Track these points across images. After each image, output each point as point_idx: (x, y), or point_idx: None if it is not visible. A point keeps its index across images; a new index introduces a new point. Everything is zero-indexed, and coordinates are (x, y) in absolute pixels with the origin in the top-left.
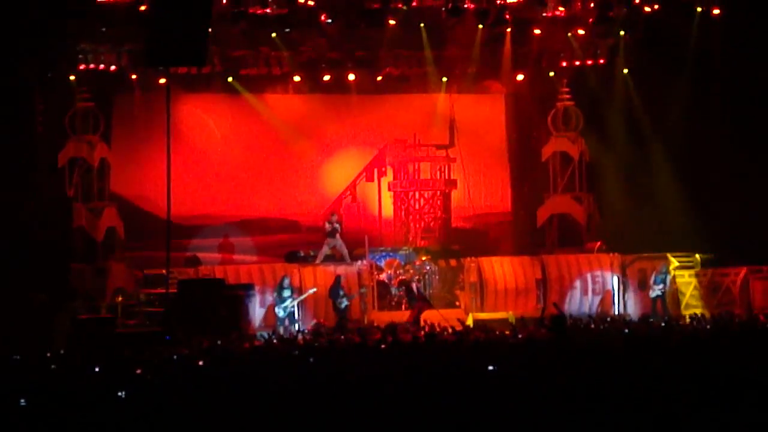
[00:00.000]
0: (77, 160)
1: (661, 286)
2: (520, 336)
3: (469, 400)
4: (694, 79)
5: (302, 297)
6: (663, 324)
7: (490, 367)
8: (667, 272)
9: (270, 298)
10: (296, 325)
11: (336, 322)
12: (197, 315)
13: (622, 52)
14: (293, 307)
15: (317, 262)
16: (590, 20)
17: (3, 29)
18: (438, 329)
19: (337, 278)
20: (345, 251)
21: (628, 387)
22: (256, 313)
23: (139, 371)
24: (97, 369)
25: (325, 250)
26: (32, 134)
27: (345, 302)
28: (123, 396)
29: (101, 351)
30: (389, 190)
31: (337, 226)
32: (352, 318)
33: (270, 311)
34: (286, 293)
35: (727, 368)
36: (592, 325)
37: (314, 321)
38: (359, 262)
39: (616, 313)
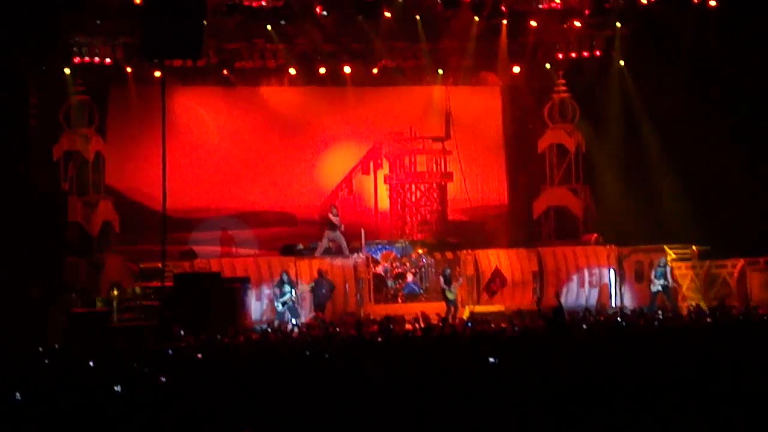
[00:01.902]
0: (72, 154)
1: (662, 280)
2: (516, 328)
3: (465, 392)
4: (690, 71)
5: (299, 293)
6: (660, 316)
7: (491, 359)
8: (666, 265)
9: (267, 291)
10: (295, 320)
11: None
12: (193, 308)
13: (618, 44)
14: (292, 301)
15: (317, 254)
16: (586, 12)
17: None
18: (433, 322)
19: (319, 272)
20: (344, 244)
21: (625, 379)
22: (253, 306)
23: (135, 365)
24: (92, 363)
25: (325, 243)
26: (26, 128)
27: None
28: (119, 390)
29: (96, 345)
30: (385, 182)
31: (337, 219)
32: (348, 311)
33: (271, 305)
34: (287, 288)
35: (725, 360)
36: (589, 318)
37: (313, 313)
38: (355, 255)
39: (614, 305)
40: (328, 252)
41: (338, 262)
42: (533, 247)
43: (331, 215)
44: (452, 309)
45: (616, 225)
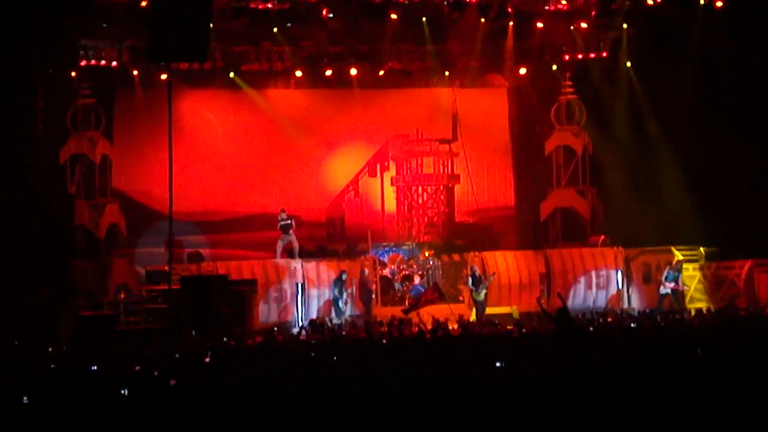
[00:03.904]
0: (79, 157)
1: (673, 284)
2: (524, 330)
3: (472, 394)
4: (697, 71)
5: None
6: (669, 318)
7: (498, 364)
8: (680, 270)
9: (274, 293)
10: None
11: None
12: (200, 311)
13: (624, 45)
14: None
15: (276, 258)
16: (593, 13)
17: (4, 26)
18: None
19: (363, 272)
20: (296, 246)
21: (632, 381)
22: (260, 308)
23: (141, 368)
24: (97, 367)
25: (280, 245)
26: (33, 131)
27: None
28: (125, 393)
29: (103, 348)
30: (392, 185)
31: (289, 222)
32: (354, 313)
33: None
34: (344, 287)
35: (733, 361)
36: (596, 320)
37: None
38: (362, 257)
39: (624, 306)
40: (289, 254)
41: (345, 265)
42: (540, 249)
43: (279, 219)
44: (479, 311)
45: (624, 226)
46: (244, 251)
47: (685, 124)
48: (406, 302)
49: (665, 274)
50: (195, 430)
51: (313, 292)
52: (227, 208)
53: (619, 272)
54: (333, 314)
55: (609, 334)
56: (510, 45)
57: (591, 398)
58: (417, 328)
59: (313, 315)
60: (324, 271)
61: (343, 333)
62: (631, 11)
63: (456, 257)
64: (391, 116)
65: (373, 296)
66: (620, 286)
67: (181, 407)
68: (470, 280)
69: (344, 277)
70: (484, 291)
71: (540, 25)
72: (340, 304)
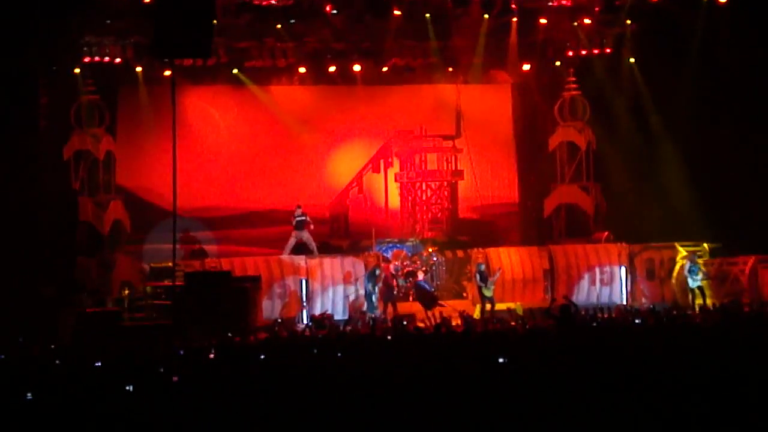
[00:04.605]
0: (82, 153)
1: (700, 276)
2: (527, 326)
3: (477, 391)
4: (700, 67)
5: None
6: (672, 314)
7: (501, 360)
8: (697, 262)
9: (278, 289)
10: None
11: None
12: (204, 308)
13: (628, 42)
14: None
15: (284, 255)
16: (596, 9)
17: (7, 22)
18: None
19: (374, 269)
20: (313, 244)
21: (635, 377)
22: (264, 304)
23: (145, 364)
24: (100, 363)
25: (292, 242)
26: (37, 128)
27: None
28: (130, 390)
29: (107, 344)
30: (396, 181)
31: (303, 218)
32: (359, 308)
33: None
34: (375, 282)
35: (737, 358)
36: (599, 315)
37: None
38: (366, 253)
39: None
40: (299, 251)
41: (349, 260)
42: (544, 245)
43: (294, 216)
44: (490, 306)
45: (627, 223)
46: (248, 247)
47: (689, 120)
48: (411, 299)
49: (688, 266)
50: (199, 426)
51: (317, 288)
52: (231, 205)
53: (623, 268)
54: (365, 308)
55: (613, 330)
56: (514, 41)
57: (594, 394)
58: (423, 324)
59: (318, 311)
60: (328, 267)
61: (348, 329)
62: (634, 7)
63: (460, 253)
64: (395, 112)
65: (395, 293)
66: (632, 284)
67: (184, 403)
68: (478, 276)
69: (377, 272)
70: (493, 287)
71: (543, 21)
72: (374, 298)
